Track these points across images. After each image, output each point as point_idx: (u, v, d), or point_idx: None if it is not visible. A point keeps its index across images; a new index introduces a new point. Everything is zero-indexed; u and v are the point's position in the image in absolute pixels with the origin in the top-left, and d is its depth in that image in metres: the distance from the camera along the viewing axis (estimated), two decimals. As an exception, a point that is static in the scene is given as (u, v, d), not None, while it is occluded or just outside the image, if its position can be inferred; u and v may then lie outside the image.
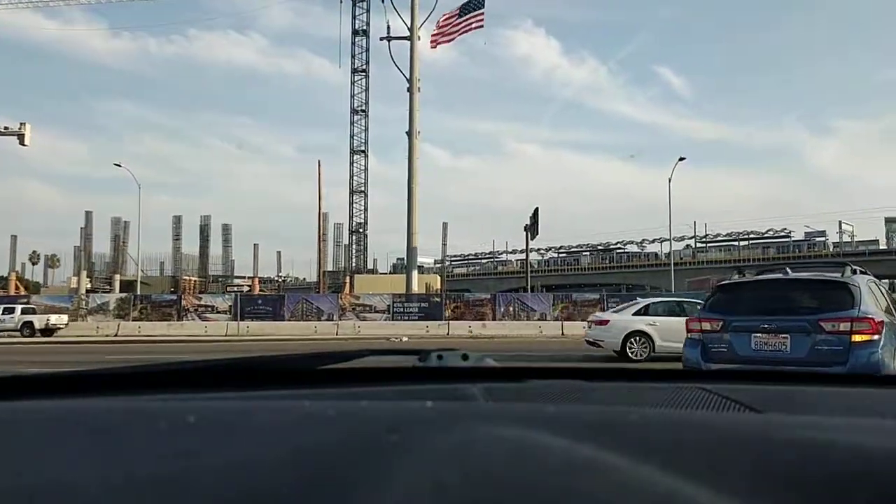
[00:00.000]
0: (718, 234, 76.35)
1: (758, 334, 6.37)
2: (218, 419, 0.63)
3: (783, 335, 6.25)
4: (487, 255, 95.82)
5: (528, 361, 11.20)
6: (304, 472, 0.47)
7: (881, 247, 66.98)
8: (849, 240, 68.72)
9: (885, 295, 7.04)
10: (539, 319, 28.28)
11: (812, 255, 66.38)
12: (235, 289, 52.77)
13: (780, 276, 7.01)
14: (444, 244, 55.41)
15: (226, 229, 61.04)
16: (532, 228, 32.27)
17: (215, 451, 0.52)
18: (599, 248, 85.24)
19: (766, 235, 72.80)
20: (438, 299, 29.79)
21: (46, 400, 0.86)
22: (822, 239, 68.33)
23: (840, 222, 69.62)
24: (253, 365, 1.28)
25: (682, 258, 70.75)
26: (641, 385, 1.17)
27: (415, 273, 32.23)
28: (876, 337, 5.94)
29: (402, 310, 28.77)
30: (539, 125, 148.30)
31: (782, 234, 71.67)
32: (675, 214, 79.78)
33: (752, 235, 73.70)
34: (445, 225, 56.76)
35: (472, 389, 1.00)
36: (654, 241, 78.00)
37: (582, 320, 27.79)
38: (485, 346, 20.97)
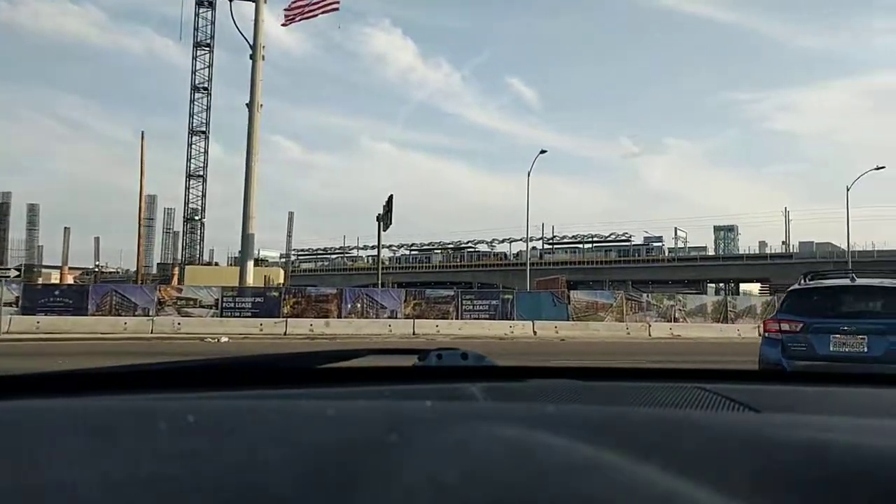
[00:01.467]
0: (565, 237, 78.48)
1: (836, 335, 6.85)
2: (218, 419, 0.63)
3: (861, 336, 6.78)
4: (338, 251, 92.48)
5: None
6: (304, 471, 0.47)
7: (710, 252, 71.66)
8: (682, 245, 72.94)
9: None
10: (389, 317, 25.97)
11: (650, 258, 69.78)
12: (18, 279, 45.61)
13: (848, 282, 7.55)
14: (290, 235, 51.62)
15: (32, 210, 53.20)
16: (385, 218, 29.93)
17: (215, 451, 0.52)
18: (451, 246, 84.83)
19: (608, 239, 75.69)
20: (276, 294, 26.49)
21: (46, 400, 0.85)
22: (659, 244, 72.02)
23: (675, 229, 73.93)
24: (253, 365, 1.32)
25: (529, 259, 71.81)
26: (641, 385, 1.18)
27: (250, 264, 28.63)
28: None
29: (232, 305, 25.17)
30: (394, 124, 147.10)
31: (623, 238, 74.83)
32: (522, 217, 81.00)
33: (595, 238, 76.34)
34: (291, 215, 53.01)
35: (471, 389, 1.00)
36: (503, 241, 78.76)
37: (435, 318, 26.34)
38: (325, 347, 18.67)
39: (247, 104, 28.74)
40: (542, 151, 35.32)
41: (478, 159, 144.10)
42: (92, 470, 0.48)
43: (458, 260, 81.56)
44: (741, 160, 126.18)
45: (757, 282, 64.67)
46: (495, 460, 0.48)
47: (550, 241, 78.61)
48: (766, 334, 7.65)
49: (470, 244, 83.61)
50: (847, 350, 6.88)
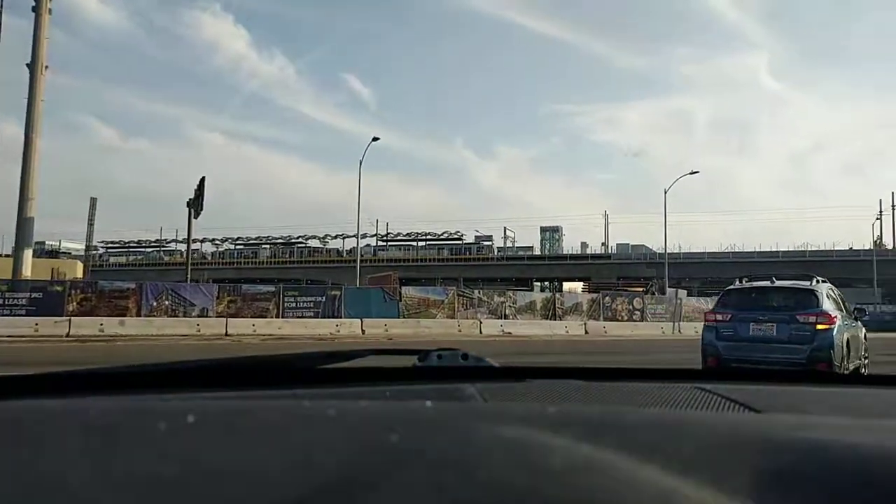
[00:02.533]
0: (399, 234, 77.77)
1: (754, 323, 9.10)
2: (218, 419, 0.63)
3: (771, 323, 9.01)
4: (154, 244, 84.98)
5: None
6: (304, 471, 0.47)
7: (536, 252, 74.21)
8: (511, 245, 74.90)
9: (839, 296, 9.84)
10: (199, 316, 23.07)
11: (480, 257, 70.93)
12: None
13: (768, 283, 9.67)
14: (91, 224, 45.76)
15: None
16: (196, 203, 26.70)
17: (215, 451, 0.52)
18: (280, 242, 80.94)
19: (441, 237, 76.01)
20: (60, 288, 22.55)
21: (46, 400, 0.86)
22: (489, 243, 73.44)
23: (505, 229, 75.83)
24: (253, 365, 1.32)
25: (363, 255, 70.22)
26: (641, 385, 1.18)
27: (28, 253, 24.29)
28: (832, 326, 8.69)
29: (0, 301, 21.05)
30: (224, 115, 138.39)
31: (455, 236, 75.44)
32: (355, 214, 79.27)
33: (428, 236, 76.34)
34: (94, 201, 46.92)
35: (471, 389, 1.01)
36: (336, 237, 76.46)
37: (253, 316, 23.84)
38: (117, 350, 15.64)
39: (28, 64, 24.34)
40: (375, 139, 33.89)
41: (313, 154, 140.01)
42: (92, 470, 0.48)
43: (288, 256, 78.01)
44: (566, 167, 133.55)
45: (579, 280, 67.77)
46: (495, 460, 0.48)
47: (384, 239, 77.54)
48: (707, 323, 9.91)
49: (301, 239, 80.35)
50: (761, 334, 9.08)
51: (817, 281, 9.54)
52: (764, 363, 8.70)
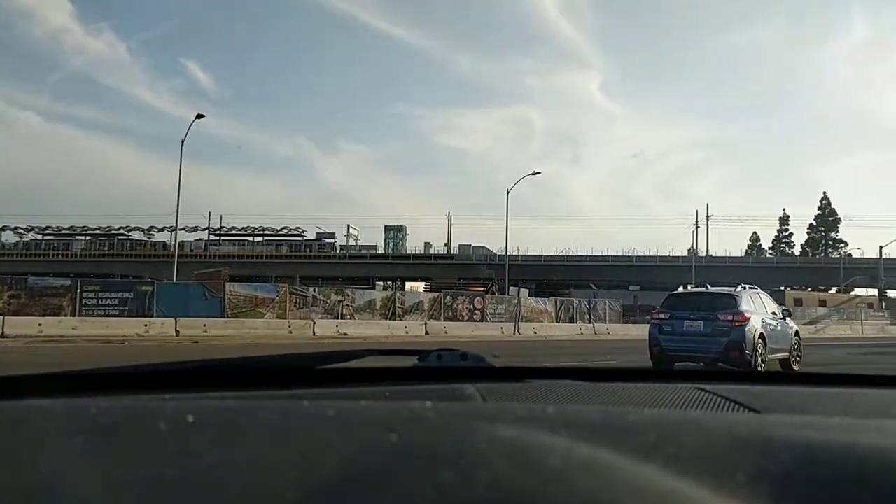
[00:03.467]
0: (234, 228, 73.08)
1: (687, 321, 11.49)
2: (218, 419, 0.63)
3: (699, 321, 11.35)
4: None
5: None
6: (304, 472, 0.47)
7: (380, 251, 72.95)
8: (354, 243, 73.03)
9: (765, 300, 12.59)
10: (-32, 313, 19.19)
11: (321, 254, 68.47)
12: None
13: (703, 290, 12.85)
14: None
15: None
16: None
17: (215, 451, 0.52)
18: (99, 233, 73.25)
19: (280, 233, 72.50)
20: None
21: (46, 400, 0.84)
22: (332, 241, 71.14)
23: (348, 226, 73.81)
24: (253, 365, 1.33)
25: (192, 250, 65.28)
26: (640, 385, 1.19)
27: None
28: (745, 323, 11.03)
29: None
30: (41, 93, 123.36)
31: (296, 232, 72.26)
32: (190, 209, 73.71)
33: (267, 232, 72.49)
34: None
35: (470, 389, 1.02)
36: (163, 229, 70.29)
37: (42, 314, 20.29)
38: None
39: None
40: (199, 116, 30.51)
41: (143, 141, 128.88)
42: (92, 470, 0.48)
43: (107, 248, 70.76)
44: (413, 168, 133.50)
45: (422, 280, 67.40)
46: (495, 460, 0.48)
47: (217, 232, 72.58)
48: (652, 321, 12.12)
49: (123, 231, 73.21)
50: (692, 329, 11.20)
51: (743, 288, 12.16)
52: (693, 352, 11.14)
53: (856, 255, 64.57)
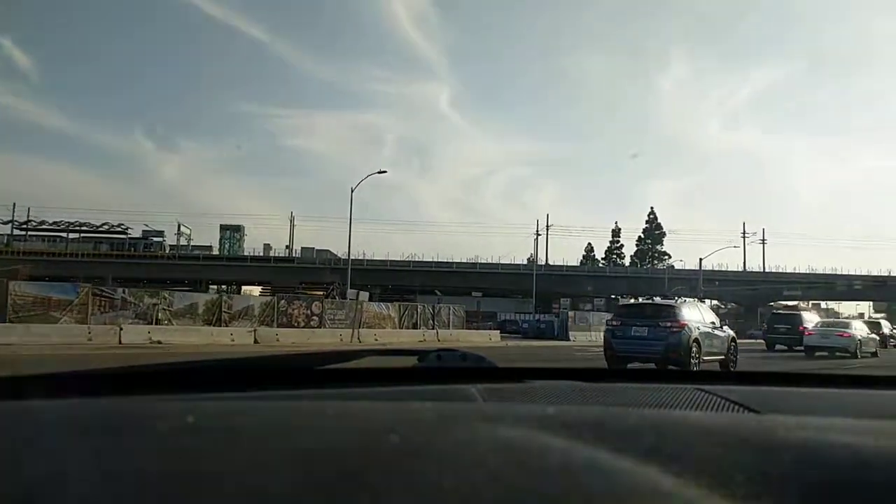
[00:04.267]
0: (44, 222, 65.01)
1: (635, 327, 13.61)
2: (218, 419, 0.63)
3: (644, 327, 13.48)
4: None
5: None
6: (304, 472, 0.47)
7: (215, 252, 68.13)
8: (186, 243, 67.65)
9: (703, 309, 15.56)
10: None
11: (148, 254, 62.67)
12: None
13: (648, 301, 16.48)
14: None
15: None
16: None
17: (215, 451, 0.52)
18: None
19: (100, 229, 65.48)
20: None
21: (46, 400, 0.86)
22: (160, 240, 65.44)
23: (179, 224, 68.24)
24: (253, 365, 1.34)
25: (-7, 245, 57.19)
26: (640, 385, 1.21)
27: None
28: (682, 329, 12.99)
29: None
30: None
31: (118, 229, 65.61)
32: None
33: (84, 228, 65.18)
34: None
35: (470, 390, 1.02)
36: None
37: None
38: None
39: None
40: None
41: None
42: (92, 471, 0.48)
43: None
44: (256, 169, 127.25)
45: (260, 284, 63.66)
46: (495, 461, 0.48)
47: (24, 226, 64.24)
48: (607, 327, 14.54)
49: None
50: (639, 334, 13.31)
51: (684, 300, 15.28)
52: (640, 353, 13.03)
53: (678, 266, 69.53)
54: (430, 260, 66.80)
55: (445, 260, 67.11)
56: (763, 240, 70.32)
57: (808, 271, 66.93)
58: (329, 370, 1.24)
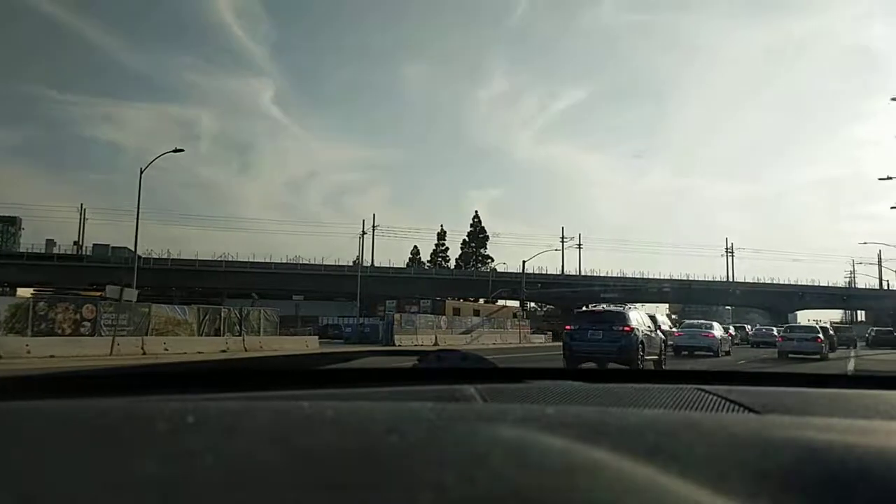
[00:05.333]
0: None
1: (591, 330, 15.50)
2: (218, 419, 0.63)
3: (599, 331, 15.36)
4: None
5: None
6: (304, 473, 0.47)
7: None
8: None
9: (645, 315, 18.29)
10: None
11: None
12: None
13: (602, 307, 24.05)
14: None
15: None
16: None
17: (215, 452, 0.51)
18: None
19: None
20: None
21: (46, 400, 0.86)
22: None
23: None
24: (253, 365, 1.34)
25: None
26: (640, 386, 1.20)
27: None
28: (631, 332, 15.16)
29: None
30: None
31: None
32: None
33: None
34: None
35: (470, 390, 1.02)
36: None
37: None
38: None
39: None
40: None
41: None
42: (91, 471, 0.48)
43: None
44: (47, 158, 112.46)
45: (40, 285, 54.63)
46: (495, 461, 0.48)
47: None
48: (565, 331, 16.68)
49: None
50: (595, 336, 15.36)
51: (631, 307, 20.53)
52: (596, 353, 14.78)
53: (501, 269, 70.10)
54: (246, 260, 61.58)
55: (263, 260, 62.27)
56: (579, 244, 73.13)
57: (619, 275, 70.38)
58: (329, 370, 1.27)
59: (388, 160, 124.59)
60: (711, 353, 23.67)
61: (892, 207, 37.26)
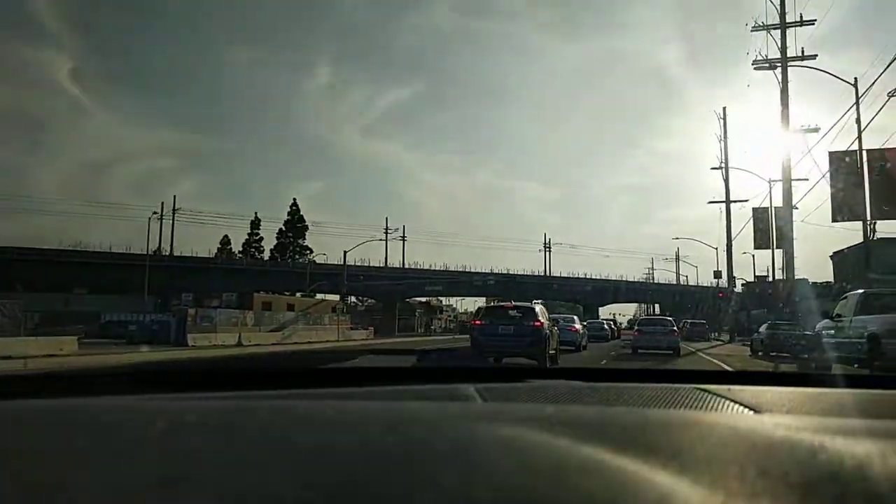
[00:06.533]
0: None
1: (501, 325, 15.27)
2: (218, 419, 0.64)
3: (510, 325, 15.23)
4: None
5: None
6: (303, 472, 0.47)
7: None
8: None
9: (546, 311, 17.54)
10: None
11: None
12: None
13: (510, 303, 16.89)
14: None
15: None
16: None
17: (215, 451, 0.51)
18: None
19: None
20: None
21: (46, 400, 0.86)
22: None
23: None
24: (253, 365, 1.28)
25: None
26: (640, 385, 1.20)
27: None
28: (541, 327, 15.25)
29: None
30: None
31: None
32: None
33: None
34: None
35: (470, 390, 1.03)
36: None
37: None
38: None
39: None
40: None
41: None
42: (92, 470, 0.48)
43: None
44: None
45: None
46: (494, 461, 0.48)
47: None
48: (473, 326, 16.89)
49: None
50: (505, 332, 15.09)
51: (538, 303, 19.66)
52: (506, 348, 14.64)
53: (321, 260, 65.34)
54: (9, 245, 51.31)
55: (34, 246, 52.44)
56: (403, 237, 70.31)
57: (443, 269, 68.53)
58: (329, 370, 1.27)
59: (206, 148, 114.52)
60: (573, 348, 22.43)
61: (709, 202, 37.87)
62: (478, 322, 16.53)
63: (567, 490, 0.44)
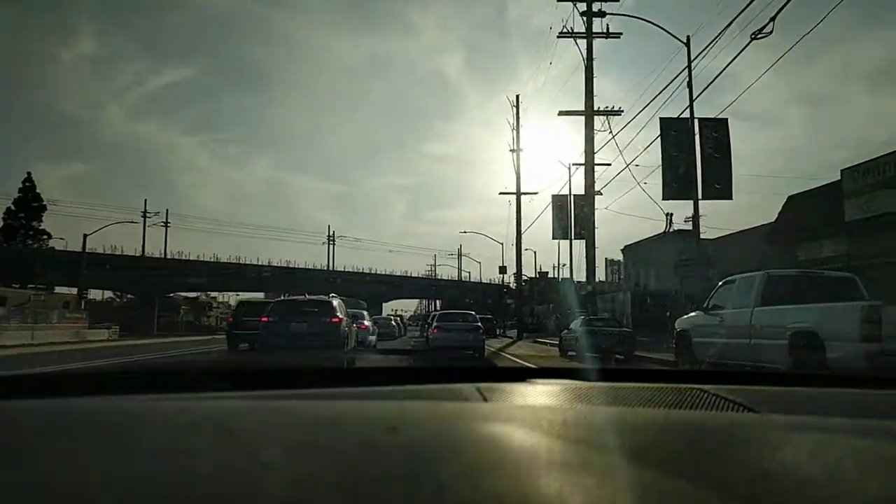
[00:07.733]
0: None
1: (294, 323, 13.96)
2: (217, 420, 0.64)
3: (304, 322, 14.06)
4: None
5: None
6: (303, 472, 0.47)
7: None
8: None
9: (343, 305, 16.11)
10: None
11: None
12: None
13: (302, 297, 15.86)
14: None
15: None
16: None
17: (215, 451, 0.51)
18: None
19: None
20: None
21: (46, 400, 0.86)
22: None
23: None
24: (253, 365, 1.28)
25: None
26: (641, 385, 1.20)
27: None
28: (339, 323, 14.33)
29: None
30: None
31: None
32: None
33: None
34: None
35: (471, 389, 1.03)
36: None
37: None
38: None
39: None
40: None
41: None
42: (92, 470, 0.48)
43: None
44: None
45: None
46: (495, 460, 0.48)
47: None
48: (262, 323, 14.52)
49: None
50: (298, 330, 13.80)
51: (334, 297, 15.97)
52: (300, 344, 13.56)
53: (60, 247, 54.75)
54: None
55: None
56: (166, 222, 61.69)
57: (213, 259, 61.20)
58: (329, 370, 1.26)
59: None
60: (363, 347, 20.03)
61: (500, 193, 36.33)
62: (266, 319, 14.83)
63: (568, 490, 0.43)
